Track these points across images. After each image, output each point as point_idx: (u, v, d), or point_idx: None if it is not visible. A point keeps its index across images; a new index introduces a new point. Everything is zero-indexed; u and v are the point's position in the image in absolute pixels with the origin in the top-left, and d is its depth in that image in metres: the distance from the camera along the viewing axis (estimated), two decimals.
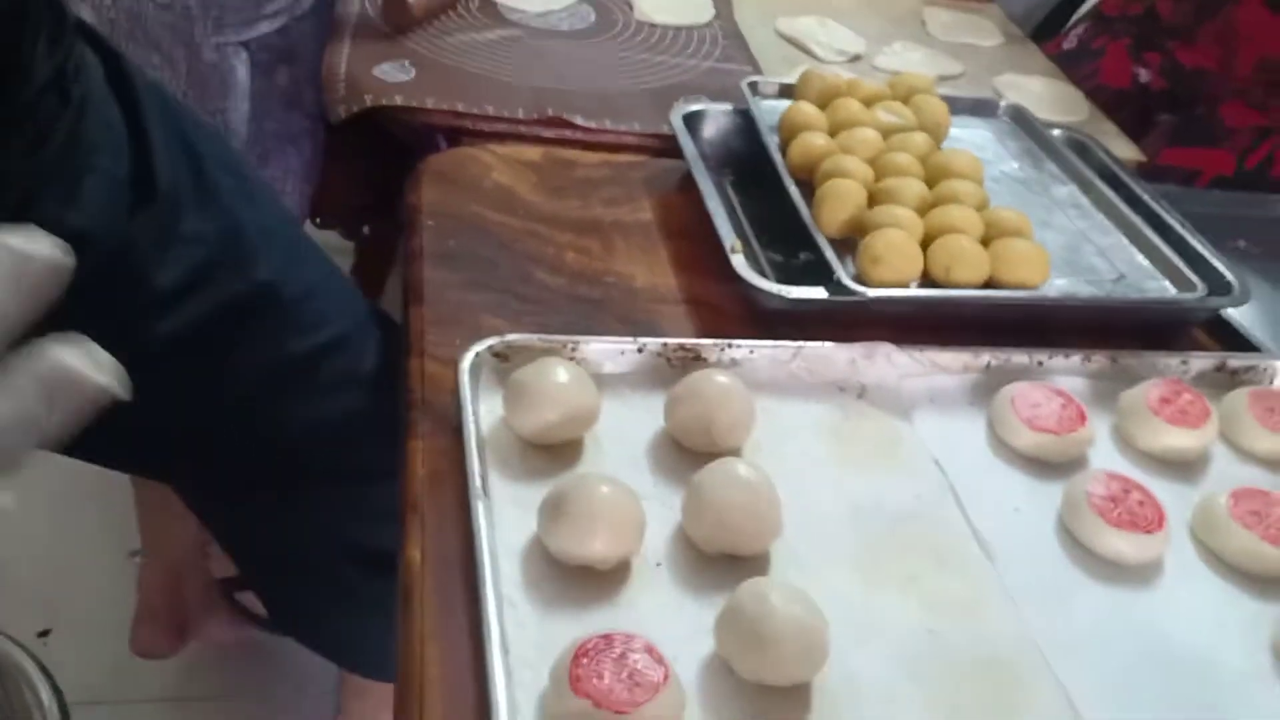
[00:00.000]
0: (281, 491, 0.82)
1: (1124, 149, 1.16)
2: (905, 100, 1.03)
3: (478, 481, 0.62)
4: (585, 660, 0.53)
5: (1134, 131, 1.24)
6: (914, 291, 0.83)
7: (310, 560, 0.81)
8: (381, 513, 0.71)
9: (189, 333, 0.74)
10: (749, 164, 0.99)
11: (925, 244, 0.85)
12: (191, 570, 1.22)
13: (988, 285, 0.84)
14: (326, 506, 0.82)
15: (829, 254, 0.83)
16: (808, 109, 1.00)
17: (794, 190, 0.90)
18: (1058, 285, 0.87)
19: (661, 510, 0.65)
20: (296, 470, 0.82)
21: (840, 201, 0.88)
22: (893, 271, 0.82)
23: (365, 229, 1.64)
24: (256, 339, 0.79)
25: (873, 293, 0.80)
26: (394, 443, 0.69)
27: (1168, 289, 0.88)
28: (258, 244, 0.79)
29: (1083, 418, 0.73)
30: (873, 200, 0.90)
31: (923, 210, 0.88)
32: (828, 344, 0.76)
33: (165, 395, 0.61)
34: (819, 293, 0.80)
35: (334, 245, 1.79)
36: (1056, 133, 1.07)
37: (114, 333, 0.32)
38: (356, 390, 0.86)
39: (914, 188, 0.90)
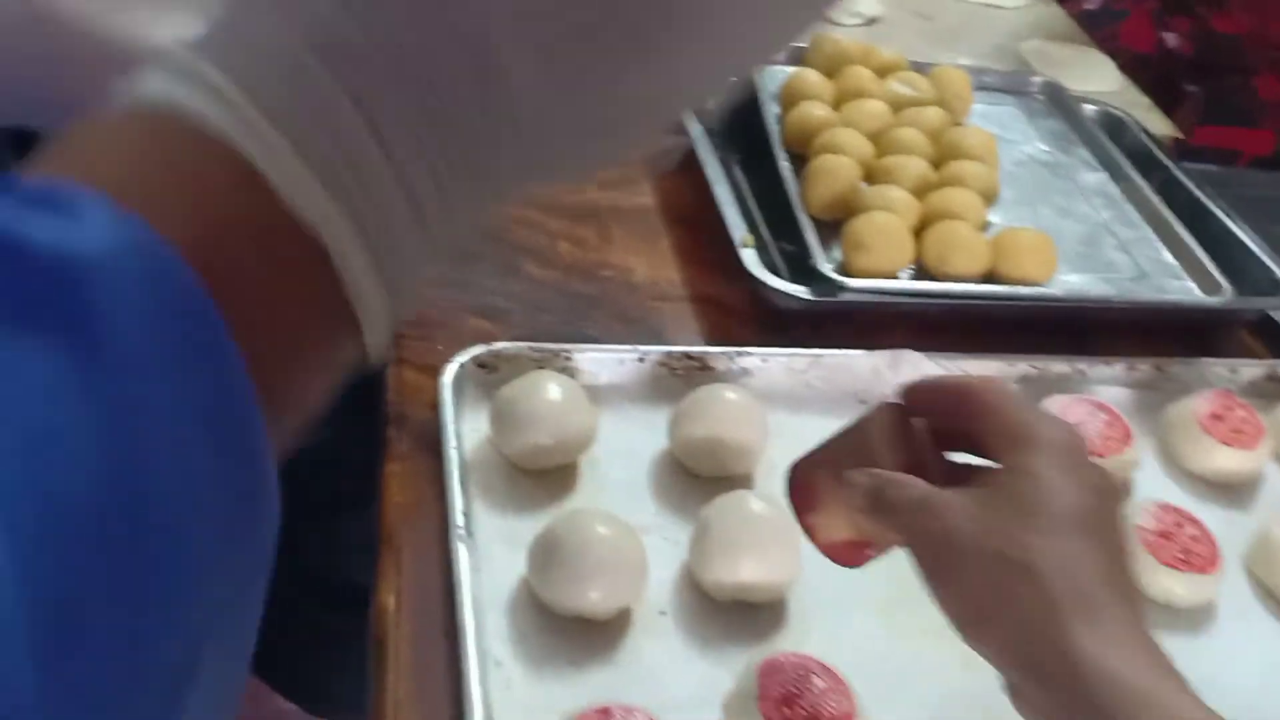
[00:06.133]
0: None
1: (1158, 124, 1.08)
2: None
3: (460, 519, 0.55)
4: None
5: (1160, 103, 1.17)
6: (907, 284, 0.76)
7: (274, 596, 0.74)
8: (347, 545, 0.65)
9: None
10: (757, 140, 0.91)
11: (921, 230, 0.78)
12: None
13: (987, 278, 0.77)
14: (289, 539, 0.75)
15: (810, 238, 0.75)
16: (811, 76, 0.92)
17: (785, 165, 0.82)
18: (1067, 281, 0.80)
19: (665, 545, 0.58)
20: None
21: (829, 179, 0.80)
22: (878, 260, 0.74)
23: None
24: None
25: (854, 283, 0.72)
26: (365, 470, 0.62)
27: (1191, 290, 0.82)
28: None
29: (1128, 437, 0.66)
30: (870, 179, 0.83)
31: (922, 193, 0.81)
32: (848, 352, 0.69)
33: None
34: (801, 290, 0.72)
35: None
36: (1091, 109, 0.99)
37: None
38: (324, 417, 0.79)
39: (915, 167, 0.83)
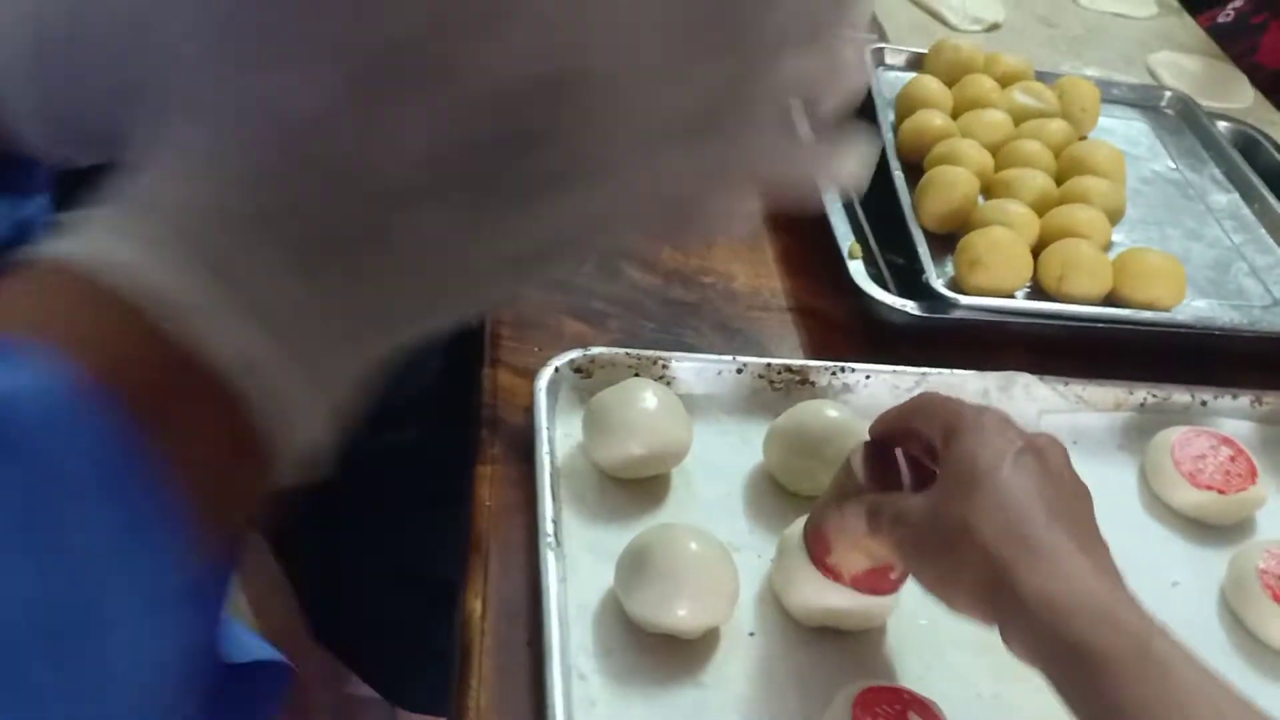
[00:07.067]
0: (338, 514, 0.76)
1: None
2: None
3: (549, 528, 0.54)
4: None
5: None
6: (1023, 303, 0.72)
7: (361, 584, 0.75)
8: (442, 541, 0.64)
9: None
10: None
11: (1041, 249, 0.74)
12: (302, 643, 1.16)
13: (1108, 301, 0.73)
14: (380, 531, 0.75)
15: (923, 251, 0.72)
16: (930, 84, 0.89)
17: (898, 176, 0.79)
18: (1193, 307, 0.76)
19: (757, 563, 0.56)
20: (355, 495, 0.76)
21: (944, 191, 0.77)
22: (994, 277, 0.72)
23: None
24: None
25: (967, 301, 0.70)
26: (459, 469, 0.61)
27: None
28: None
29: (1253, 474, 0.63)
30: (988, 193, 0.80)
31: (1043, 209, 0.77)
32: (957, 372, 0.66)
33: None
34: (910, 305, 0.70)
35: None
36: (1224, 127, 0.94)
37: None
38: (420, 415, 0.78)
39: (1037, 182, 0.79)
